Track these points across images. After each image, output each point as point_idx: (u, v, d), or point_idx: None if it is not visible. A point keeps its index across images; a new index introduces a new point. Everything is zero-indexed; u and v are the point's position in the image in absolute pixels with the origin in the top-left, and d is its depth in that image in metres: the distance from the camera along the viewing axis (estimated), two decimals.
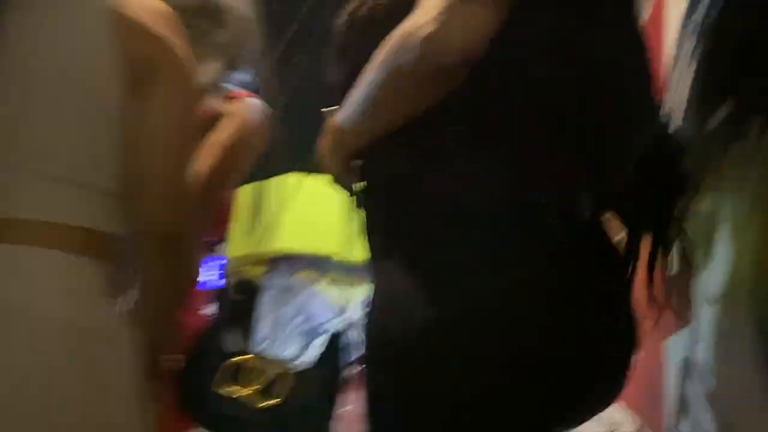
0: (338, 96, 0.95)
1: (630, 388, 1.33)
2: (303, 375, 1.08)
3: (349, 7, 0.96)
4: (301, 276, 1.41)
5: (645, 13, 1.55)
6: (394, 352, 0.82)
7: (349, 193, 0.97)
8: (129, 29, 0.86)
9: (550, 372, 0.81)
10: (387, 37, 0.83)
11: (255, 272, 1.41)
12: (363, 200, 0.94)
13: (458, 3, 0.76)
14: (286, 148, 1.73)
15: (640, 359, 1.35)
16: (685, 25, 1.15)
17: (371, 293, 0.90)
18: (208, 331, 1.18)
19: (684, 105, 1.17)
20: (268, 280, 1.41)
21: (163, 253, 0.92)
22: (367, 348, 0.88)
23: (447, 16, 0.76)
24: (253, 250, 1.45)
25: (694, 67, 1.10)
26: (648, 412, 1.30)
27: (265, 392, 1.06)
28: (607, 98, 0.85)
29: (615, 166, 0.87)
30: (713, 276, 0.94)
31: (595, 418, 1.52)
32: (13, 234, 0.80)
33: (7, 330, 0.78)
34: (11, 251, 0.80)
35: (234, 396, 1.06)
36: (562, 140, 0.85)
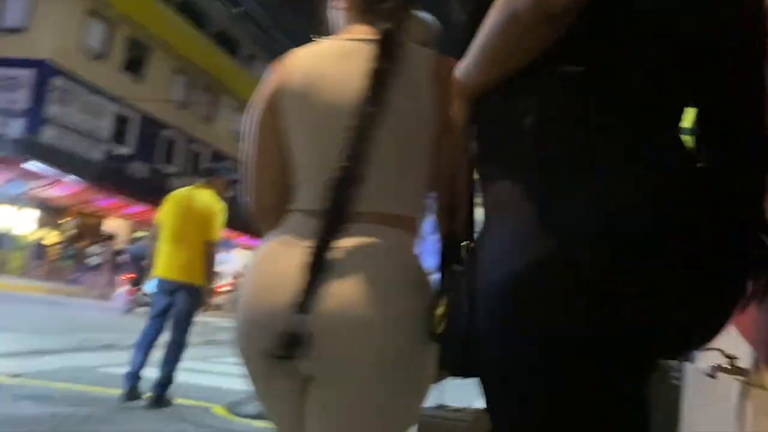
0: (463, 45, 1.01)
1: (749, 320, 1.33)
2: None
3: None
4: None
5: None
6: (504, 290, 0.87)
7: (467, 140, 1.03)
8: (443, 86, 1.20)
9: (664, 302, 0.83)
10: None
11: None
12: (478, 145, 1.00)
13: None
14: None
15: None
16: None
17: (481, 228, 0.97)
18: None
19: None
20: None
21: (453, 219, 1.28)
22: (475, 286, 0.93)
23: None
24: None
25: None
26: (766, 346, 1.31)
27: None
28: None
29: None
30: None
31: (717, 350, 1.51)
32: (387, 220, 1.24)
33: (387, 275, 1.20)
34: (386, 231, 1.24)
35: None
36: (675, 88, 0.87)
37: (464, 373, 1.03)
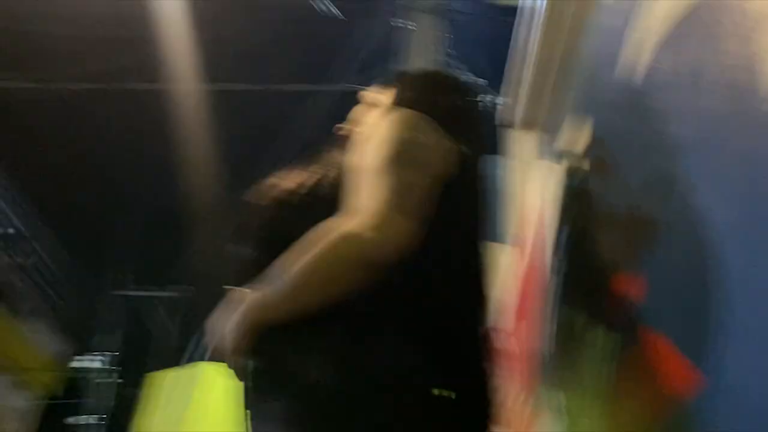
0: (244, 274, 1.06)
1: None
2: None
3: (263, 194, 1.12)
4: None
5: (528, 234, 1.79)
6: None
7: (239, 374, 1.04)
8: None
9: None
10: (309, 225, 0.99)
11: None
12: (253, 380, 1.02)
13: (392, 213, 0.97)
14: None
15: None
16: (550, 254, 1.40)
17: None
18: None
19: (549, 311, 1.36)
20: None
21: None
22: None
23: (385, 224, 0.96)
24: None
25: (556, 284, 1.32)
26: None
27: None
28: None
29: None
30: None
31: None
32: None
33: None
34: None
35: None
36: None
37: None
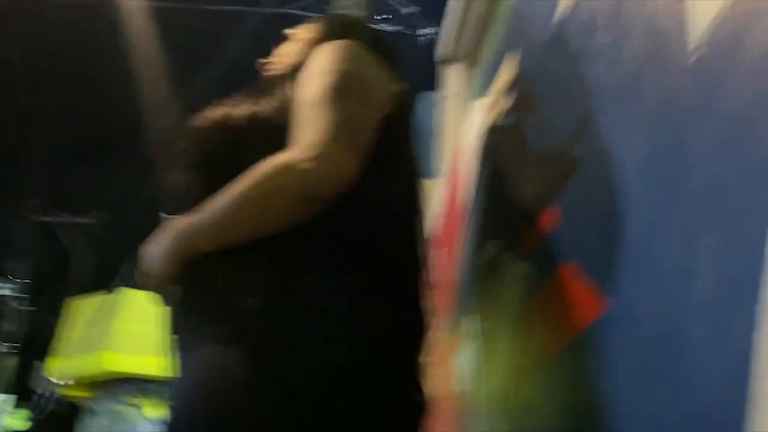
0: (182, 203, 1.05)
1: None
2: None
3: (204, 122, 1.09)
4: (131, 400, 1.37)
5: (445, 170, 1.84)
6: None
7: (166, 300, 1.04)
8: None
9: None
10: (254, 157, 0.97)
11: (80, 394, 1.34)
12: (180, 306, 1.03)
13: (332, 145, 0.96)
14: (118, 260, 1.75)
15: None
16: (472, 188, 1.44)
17: (175, 386, 0.99)
18: None
19: (469, 242, 1.42)
20: (95, 405, 1.36)
21: None
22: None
23: (324, 155, 0.95)
24: (79, 371, 1.38)
25: (476, 216, 1.37)
26: None
27: None
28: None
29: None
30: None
31: None
32: None
33: None
34: None
35: None
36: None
37: None
